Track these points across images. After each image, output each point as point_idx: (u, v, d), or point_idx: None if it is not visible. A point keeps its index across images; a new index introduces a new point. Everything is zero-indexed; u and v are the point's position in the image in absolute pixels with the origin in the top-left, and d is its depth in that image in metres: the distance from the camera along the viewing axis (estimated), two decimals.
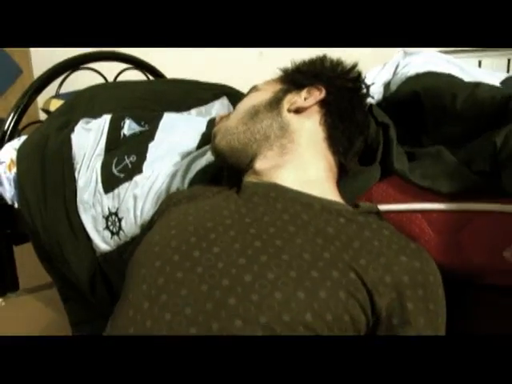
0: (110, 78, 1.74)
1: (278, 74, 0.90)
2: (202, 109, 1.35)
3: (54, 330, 1.32)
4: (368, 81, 1.02)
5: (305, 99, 0.82)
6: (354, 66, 0.86)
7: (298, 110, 0.81)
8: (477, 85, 0.82)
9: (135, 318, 0.64)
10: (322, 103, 0.82)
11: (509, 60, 1.62)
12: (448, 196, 0.76)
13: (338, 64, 0.86)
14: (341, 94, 0.84)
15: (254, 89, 0.89)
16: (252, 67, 1.81)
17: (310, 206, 0.71)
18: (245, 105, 0.84)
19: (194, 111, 1.34)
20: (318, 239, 0.65)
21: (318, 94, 0.82)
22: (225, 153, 0.82)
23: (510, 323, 0.76)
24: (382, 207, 0.80)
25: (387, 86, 1.01)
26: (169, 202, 0.85)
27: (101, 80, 1.70)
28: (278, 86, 0.86)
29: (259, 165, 0.78)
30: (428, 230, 0.76)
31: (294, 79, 0.86)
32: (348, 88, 0.85)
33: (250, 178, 0.79)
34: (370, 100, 0.98)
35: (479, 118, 0.78)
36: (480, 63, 1.63)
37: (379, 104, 0.97)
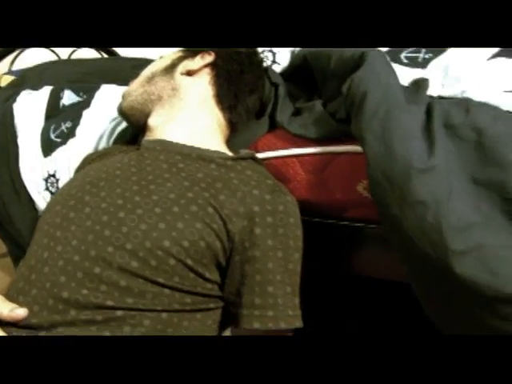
0: (64, 56, 1.84)
1: None
2: None
3: None
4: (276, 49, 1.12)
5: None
6: None
7: (190, 73, 0.92)
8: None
9: (37, 251, 0.77)
10: (213, 66, 0.93)
11: None
12: (316, 141, 0.87)
13: None
14: (231, 58, 0.94)
15: (159, 57, 1.00)
16: None
17: (188, 156, 0.82)
18: (145, 71, 0.95)
19: None
20: (186, 182, 0.77)
21: (209, 58, 0.93)
22: (127, 113, 0.94)
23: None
24: (264, 154, 0.91)
25: (293, 53, 1.11)
26: (85, 161, 0.98)
27: (54, 58, 1.80)
28: (178, 54, 0.96)
29: (151, 121, 0.90)
30: (300, 171, 0.87)
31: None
32: (239, 53, 0.95)
33: (146, 137, 0.91)
34: (275, 66, 1.08)
35: (346, 74, 0.88)
36: None
37: (286, 69, 1.07)
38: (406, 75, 0.85)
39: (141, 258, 0.71)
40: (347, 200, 0.84)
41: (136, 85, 0.94)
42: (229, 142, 0.94)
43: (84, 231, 0.74)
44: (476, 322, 0.72)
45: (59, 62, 1.57)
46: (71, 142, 1.13)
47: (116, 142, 1.07)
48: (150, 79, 0.93)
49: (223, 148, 0.89)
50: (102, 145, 1.09)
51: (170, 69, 0.93)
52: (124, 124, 1.10)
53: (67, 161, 1.12)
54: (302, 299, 0.78)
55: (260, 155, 0.91)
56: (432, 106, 0.77)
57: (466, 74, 0.81)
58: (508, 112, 0.75)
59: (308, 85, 1.02)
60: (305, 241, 0.81)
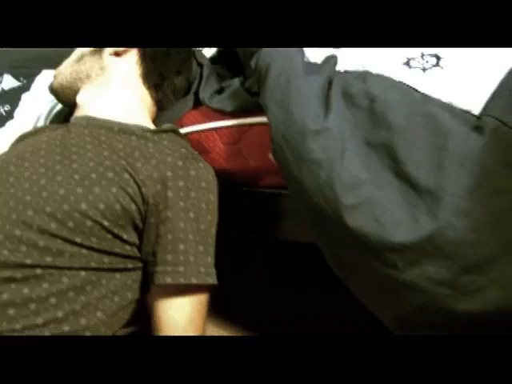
0: None
1: None
2: None
3: None
4: None
5: None
6: None
7: (118, 53, 0.97)
8: None
9: None
10: None
11: None
12: (233, 114, 0.93)
13: None
14: None
15: None
16: None
17: (110, 130, 0.87)
18: (75, 52, 1.00)
19: None
20: (105, 152, 0.82)
21: None
22: (57, 91, 0.99)
23: None
24: (186, 129, 0.97)
25: None
26: (18, 139, 1.02)
27: None
28: None
29: (79, 98, 0.95)
30: (219, 143, 0.93)
31: None
32: None
33: (75, 114, 0.95)
34: (207, 49, 1.14)
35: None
36: None
37: (217, 52, 1.13)
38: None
39: (59, 219, 0.76)
40: (261, 167, 0.91)
41: (66, 64, 0.99)
42: (156, 120, 1.00)
43: (6, 198, 0.79)
44: (371, 273, 0.78)
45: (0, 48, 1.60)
46: (9, 124, 1.17)
47: (52, 122, 1.12)
48: (80, 59, 0.97)
49: (148, 124, 0.94)
50: (40, 125, 1.14)
51: (99, 50, 0.98)
52: (61, 105, 1.14)
53: (5, 142, 1.16)
54: (227, 265, 0.84)
55: (183, 130, 0.96)
56: (334, 78, 0.83)
57: (367, 48, 0.88)
58: (402, 83, 0.82)
59: (237, 66, 1.08)
60: (226, 209, 0.86)
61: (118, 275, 0.81)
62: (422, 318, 0.80)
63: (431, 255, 0.73)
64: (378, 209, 0.73)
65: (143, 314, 0.86)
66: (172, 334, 0.79)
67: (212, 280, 0.81)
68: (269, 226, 0.94)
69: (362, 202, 0.74)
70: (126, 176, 0.80)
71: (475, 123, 0.73)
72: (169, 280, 0.78)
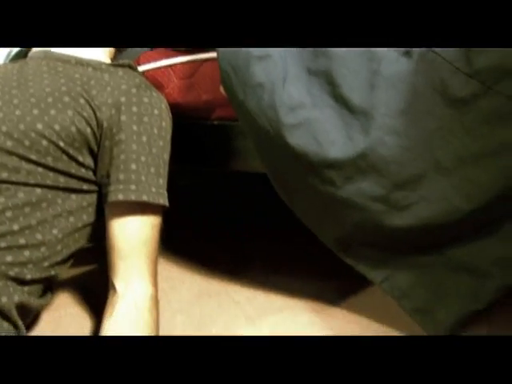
0: None
1: None
2: None
3: None
4: None
5: None
6: None
7: None
8: None
9: None
10: None
11: None
12: (186, 51, 0.97)
13: None
14: None
15: None
16: None
17: (67, 62, 0.91)
18: None
19: None
20: (62, 80, 0.86)
21: None
22: None
23: None
24: (143, 67, 1.01)
25: None
26: None
27: None
28: None
29: None
30: (173, 79, 0.98)
31: None
32: None
33: (33, 49, 0.99)
34: None
35: None
36: None
37: None
38: None
39: (15, 138, 0.79)
40: (213, 100, 0.96)
41: None
42: (114, 60, 1.03)
43: None
44: (312, 192, 0.84)
45: None
46: None
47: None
48: None
49: (106, 61, 0.97)
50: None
51: None
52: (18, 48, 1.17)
53: None
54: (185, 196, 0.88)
55: (140, 68, 1.00)
56: None
57: None
58: None
59: None
60: (180, 143, 0.91)
61: (73, 196, 0.85)
62: (360, 237, 0.86)
63: (365, 171, 0.79)
64: (316, 128, 0.79)
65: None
66: (126, 256, 0.83)
67: (163, 201, 0.85)
68: (221, 158, 0.99)
69: (301, 121, 0.79)
70: (82, 101, 0.84)
71: (406, 50, 0.79)
72: (121, 197, 0.82)
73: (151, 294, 0.82)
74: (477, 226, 0.81)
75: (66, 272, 1.06)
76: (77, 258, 1.09)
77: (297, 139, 0.79)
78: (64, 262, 0.87)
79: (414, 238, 0.83)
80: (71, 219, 0.85)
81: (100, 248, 0.90)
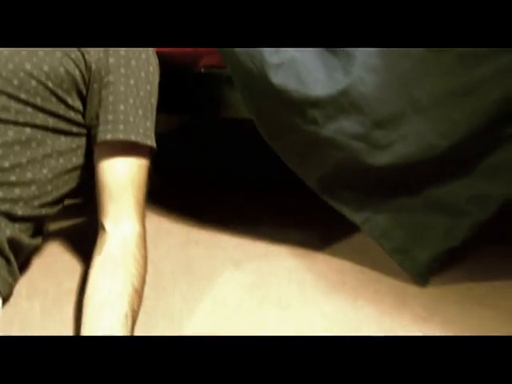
0: None
1: None
2: None
3: None
4: None
5: None
6: None
7: None
8: None
9: None
10: None
11: None
12: None
13: None
14: None
15: None
16: None
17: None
18: None
19: None
20: None
21: None
22: None
23: None
24: None
25: None
26: None
27: None
28: None
29: None
30: None
31: None
32: None
33: None
34: None
35: None
36: None
37: None
38: None
39: (4, 77, 0.81)
40: (199, 49, 0.97)
41: None
42: None
43: None
44: (296, 132, 0.87)
45: None
46: None
47: None
48: None
49: None
50: None
51: None
52: None
53: None
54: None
55: None
56: None
57: None
58: None
59: None
60: (168, 90, 0.93)
61: (62, 138, 0.86)
62: (342, 178, 0.89)
63: (346, 110, 0.82)
64: (299, 67, 0.81)
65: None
66: (115, 196, 0.85)
67: (151, 142, 0.87)
68: (208, 106, 1.01)
69: (285, 61, 0.82)
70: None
71: None
72: (109, 136, 0.84)
73: (139, 232, 0.84)
74: (453, 165, 0.84)
75: (58, 224, 1.10)
76: (67, 210, 1.13)
77: (281, 78, 0.81)
78: (54, 203, 0.89)
79: (394, 177, 0.86)
80: (61, 160, 0.87)
81: (89, 203, 0.92)
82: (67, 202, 1.03)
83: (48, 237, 1.04)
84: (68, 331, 0.80)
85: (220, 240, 1.04)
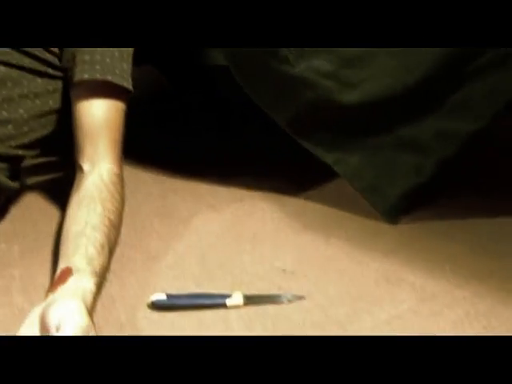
0: None
1: None
2: None
3: None
4: None
5: None
6: None
7: None
8: None
9: None
10: None
11: None
12: None
13: None
14: None
15: None
16: None
17: None
18: None
19: None
20: None
21: None
22: None
23: None
24: None
25: None
26: None
27: None
28: None
29: None
30: None
31: None
32: None
33: None
34: None
35: None
36: None
37: None
38: None
39: None
40: None
41: None
42: None
43: None
44: (269, 72, 0.89)
45: None
46: None
47: None
48: None
49: None
50: None
51: None
52: None
53: None
54: None
55: None
56: None
57: None
58: None
59: None
60: None
61: (39, 79, 0.87)
62: (314, 116, 0.91)
63: (316, 49, 0.84)
64: None
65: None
66: (92, 136, 0.86)
67: (127, 85, 0.88)
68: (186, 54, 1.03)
69: None
70: None
71: None
72: (86, 76, 0.85)
73: (116, 171, 0.86)
74: (421, 104, 0.87)
75: (36, 179, 1.11)
76: (45, 166, 1.14)
77: None
78: (30, 146, 0.90)
79: (365, 117, 0.89)
80: (37, 102, 0.87)
81: (67, 161, 0.92)
82: (45, 159, 1.05)
83: (27, 189, 1.05)
84: (46, 271, 0.82)
85: (196, 188, 1.06)
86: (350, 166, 0.93)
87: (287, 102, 0.91)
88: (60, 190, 0.96)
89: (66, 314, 0.59)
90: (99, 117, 0.87)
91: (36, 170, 1.13)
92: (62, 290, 0.65)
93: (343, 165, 0.93)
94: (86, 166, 0.86)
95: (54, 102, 0.90)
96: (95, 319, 0.63)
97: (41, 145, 0.93)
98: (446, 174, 0.92)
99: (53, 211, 0.97)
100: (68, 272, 0.67)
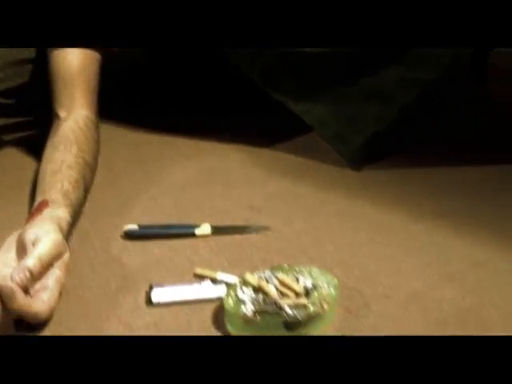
0: None
1: None
2: None
3: None
4: None
5: None
6: None
7: None
8: None
9: None
10: None
11: None
12: None
13: None
14: None
15: None
16: None
17: None
18: None
19: None
20: None
21: None
22: None
23: None
24: None
25: None
26: None
27: None
28: None
29: None
30: None
31: None
32: None
33: None
34: None
35: None
36: None
37: None
38: None
39: None
40: None
41: None
42: None
43: None
44: None
45: None
46: None
47: None
48: None
49: None
50: None
51: None
52: None
53: None
54: None
55: None
56: None
57: None
58: None
59: None
60: None
61: None
62: (282, 67, 0.96)
63: None
64: None
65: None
66: (67, 83, 0.89)
67: None
68: None
69: None
70: None
71: None
72: None
73: (92, 118, 0.89)
74: (384, 55, 0.92)
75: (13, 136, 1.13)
76: (21, 125, 1.16)
77: None
78: (5, 95, 0.93)
79: (331, 68, 0.94)
80: (13, 50, 0.90)
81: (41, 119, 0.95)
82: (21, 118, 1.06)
83: (3, 144, 1.08)
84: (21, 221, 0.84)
85: (171, 140, 1.09)
86: (317, 115, 0.97)
87: (256, 54, 0.94)
88: (37, 144, 0.99)
89: (42, 232, 0.63)
90: (75, 65, 0.90)
91: (12, 128, 1.16)
92: (39, 219, 0.68)
93: (311, 114, 0.97)
94: (62, 113, 0.89)
95: (29, 52, 0.93)
96: (71, 247, 0.67)
97: (16, 94, 0.97)
98: (406, 122, 0.96)
99: (29, 161, 1.00)
100: (44, 204, 0.71)
